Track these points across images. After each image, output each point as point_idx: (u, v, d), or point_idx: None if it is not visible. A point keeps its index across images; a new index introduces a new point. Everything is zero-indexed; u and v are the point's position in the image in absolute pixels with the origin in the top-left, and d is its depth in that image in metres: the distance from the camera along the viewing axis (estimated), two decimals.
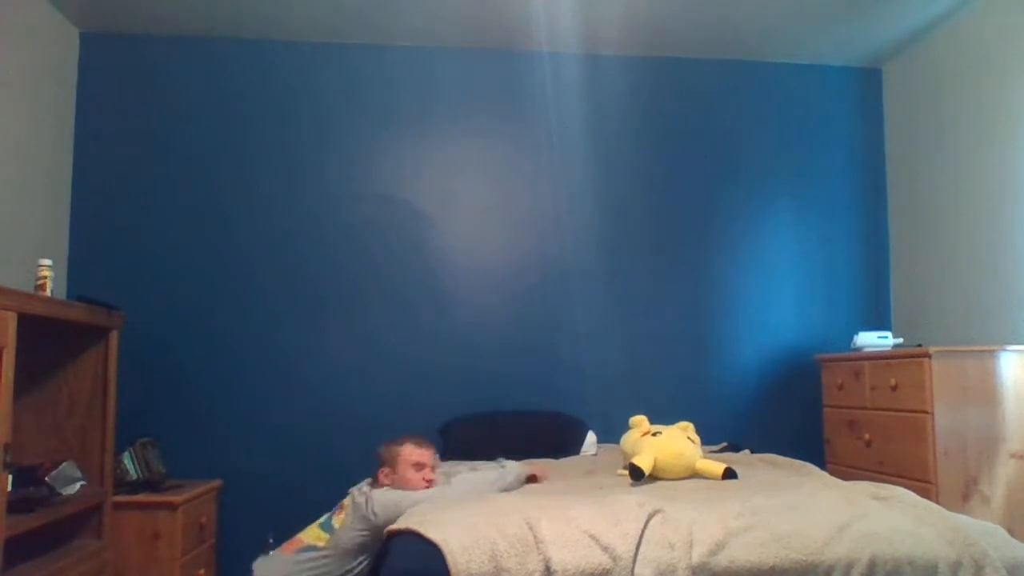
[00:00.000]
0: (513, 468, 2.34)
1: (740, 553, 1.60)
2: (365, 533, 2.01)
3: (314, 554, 2.07)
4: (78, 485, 2.40)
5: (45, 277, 2.48)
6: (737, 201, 3.59)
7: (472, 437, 2.99)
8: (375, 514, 1.97)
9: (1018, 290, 2.90)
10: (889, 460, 2.80)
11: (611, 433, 3.05)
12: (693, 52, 3.58)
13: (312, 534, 2.13)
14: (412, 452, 2.28)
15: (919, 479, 2.62)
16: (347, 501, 2.15)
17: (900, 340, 3.14)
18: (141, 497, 2.74)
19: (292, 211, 3.36)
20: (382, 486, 2.18)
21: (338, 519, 2.11)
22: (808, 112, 3.68)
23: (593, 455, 3.00)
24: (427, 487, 2.20)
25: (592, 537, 1.61)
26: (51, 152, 3.15)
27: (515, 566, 1.56)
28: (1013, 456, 2.61)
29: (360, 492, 2.11)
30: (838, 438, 3.16)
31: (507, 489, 2.18)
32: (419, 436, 2.37)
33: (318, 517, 2.25)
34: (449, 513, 1.74)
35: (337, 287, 3.35)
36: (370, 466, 2.48)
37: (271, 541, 3.03)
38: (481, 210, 3.46)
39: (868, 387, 2.95)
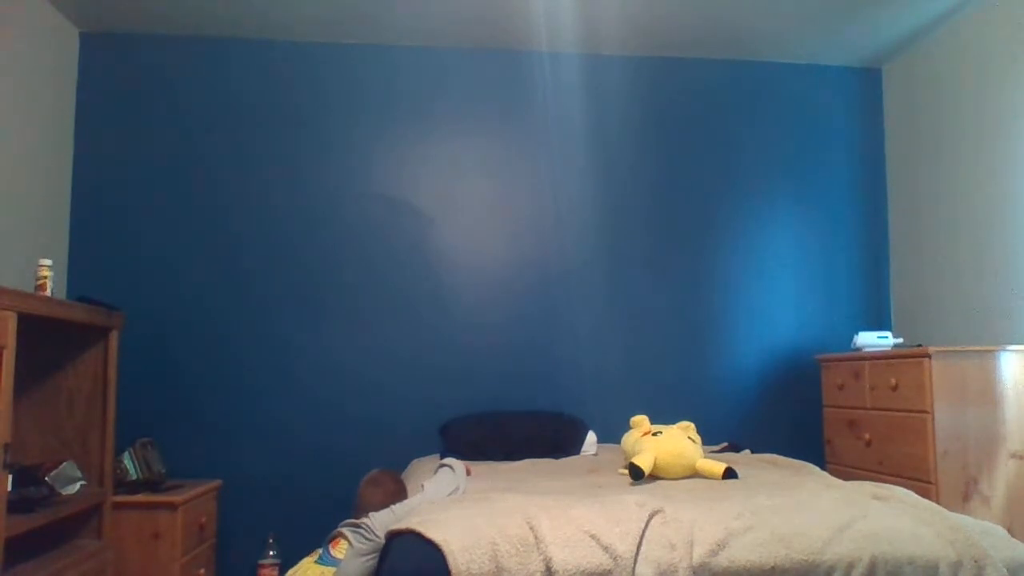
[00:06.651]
0: (455, 462, 2.42)
1: (741, 553, 1.60)
2: (374, 556, 1.98)
3: None
4: (78, 485, 2.40)
5: (45, 277, 2.48)
6: (737, 201, 3.59)
7: (472, 437, 2.99)
8: (378, 536, 1.95)
9: (1018, 290, 2.90)
10: (889, 460, 2.81)
11: (611, 433, 3.05)
12: (693, 52, 3.58)
13: (313, 572, 2.07)
14: (367, 488, 2.30)
15: (919, 479, 2.62)
16: (343, 531, 2.09)
17: (900, 340, 3.14)
18: (141, 497, 2.74)
19: (292, 211, 3.36)
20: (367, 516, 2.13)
21: (337, 550, 2.06)
22: (808, 112, 3.68)
23: (593, 455, 3.00)
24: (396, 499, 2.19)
25: (593, 537, 1.61)
26: (51, 152, 3.14)
27: (516, 566, 1.56)
28: (1013, 456, 2.62)
29: (354, 530, 2.06)
30: (838, 438, 3.16)
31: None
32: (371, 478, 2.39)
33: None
34: (450, 513, 1.74)
35: (337, 287, 3.35)
36: (368, 466, 2.49)
37: (271, 541, 3.05)
38: (481, 210, 3.46)
39: (868, 387, 2.95)
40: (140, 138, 3.32)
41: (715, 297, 3.53)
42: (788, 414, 3.49)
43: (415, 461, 3.00)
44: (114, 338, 2.70)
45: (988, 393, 2.63)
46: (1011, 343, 2.85)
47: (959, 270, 3.20)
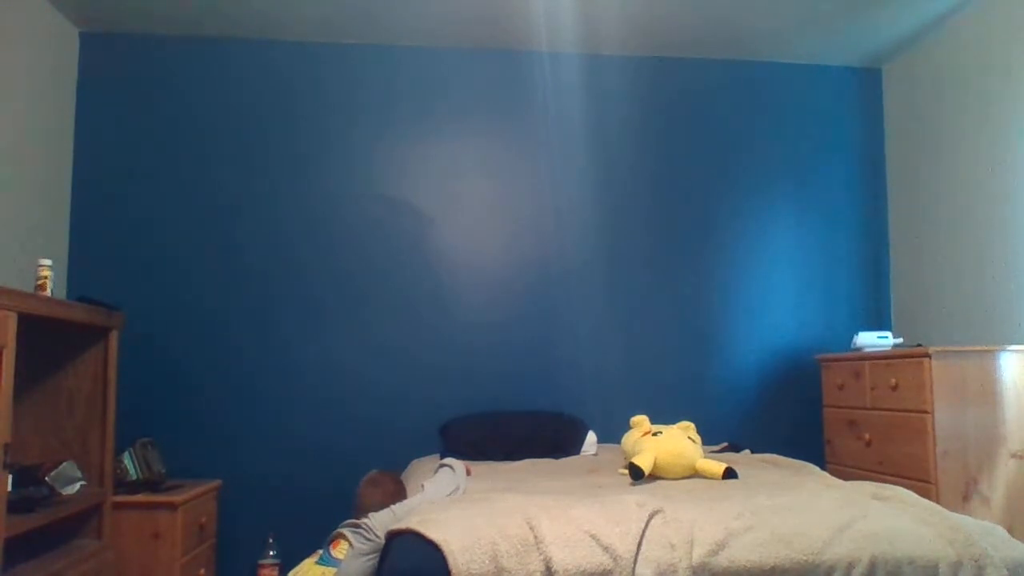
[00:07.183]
0: (456, 462, 2.42)
1: (741, 553, 1.60)
2: (374, 557, 1.98)
3: None
4: (78, 485, 2.40)
5: (45, 277, 2.48)
6: (737, 201, 3.59)
7: (472, 437, 2.99)
8: (378, 536, 1.95)
9: (1018, 290, 2.90)
10: (889, 460, 2.81)
11: (611, 433, 3.05)
12: (693, 52, 3.58)
13: (314, 573, 2.08)
14: (367, 488, 2.31)
15: (919, 479, 2.62)
16: (344, 531, 2.09)
17: (900, 340, 3.14)
18: (141, 497, 2.74)
19: (292, 211, 3.36)
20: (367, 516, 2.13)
21: (338, 550, 2.05)
22: (808, 112, 3.68)
23: (593, 455, 3.00)
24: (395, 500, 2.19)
25: (593, 537, 1.61)
26: (51, 152, 3.14)
27: (515, 566, 1.56)
28: (1013, 456, 2.62)
29: (354, 530, 2.04)
30: (838, 438, 3.16)
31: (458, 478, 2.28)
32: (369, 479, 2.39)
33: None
34: (450, 513, 1.74)
35: (337, 287, 3.35)
36: (368, 466, 2.49)
37: (271, 541, 3.05)
38: (481, 210, 3.46)
39: (868, 387, 2.95)
40: (140, 138, 3.32)
41: (715, 297, 3.53)
42: (788, 414, 3.49)
43: (415, 461, 3.00)
44: (114, 338, 2.70)
45: (988, 393, 2.62)
46: (1011, 343, 2.85)
47: (959, 270, 3.20)
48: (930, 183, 3.39)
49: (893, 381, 2.77)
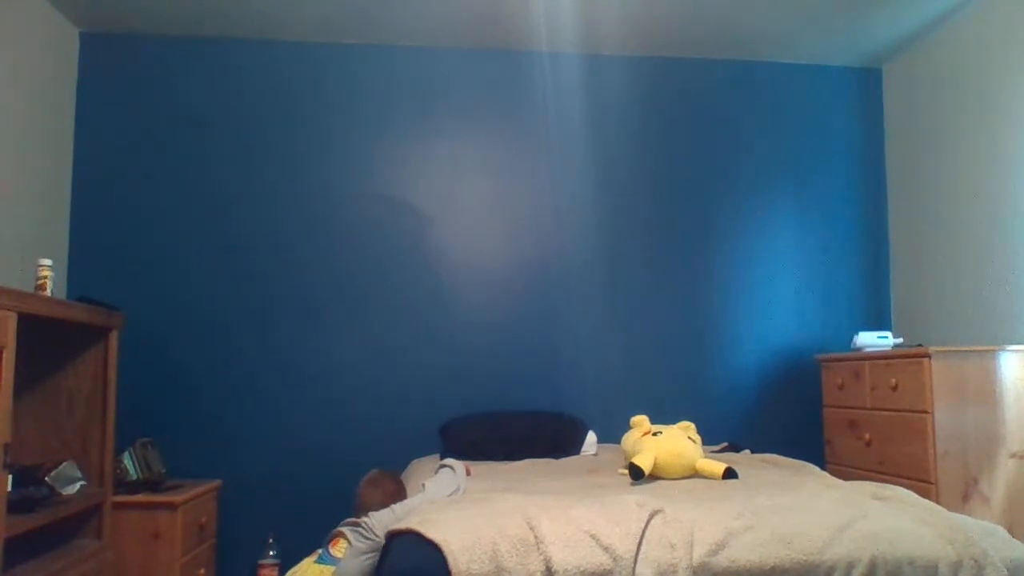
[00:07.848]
0: (456, 463, 2.42)
1: (741, 553, 1.60)
2: (373, 555, 1.97)
3: None
4: (78, 485, 2.40)
5: (45, 277, 2.48)
6: (737, 201, 3.59)
7: (472, 437, 2.99)
8: (378, 536, 1.95)
9: (1018, 290, 2.90)
10: (889, 460, 2.81)
11: (611, 433, 3.05)
12: (693, 52, 3.58)
13: (313, 572, 2.07)
14: (366, 488, 2.32)
15: (919, 479, 2.62)
16: (343, 530, 2.09)
17: (900, 340, 3.14)
18: (141, 497, 2.74)
19: (292, 210, 3.36)
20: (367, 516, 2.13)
21: (337, 549, 2.04)
22: (808, 112, 3.68)
23: (593, 455, 3.00)
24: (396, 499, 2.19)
25: (593, 537, 1.61)
26: (51, 152, 3.14)
27: (516, 566, 1.56)
28: (1013, 456, 2.62)
29: (353, 529, 2.03)
30: (838, 438, 3.16)
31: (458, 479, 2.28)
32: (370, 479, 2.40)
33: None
34: (450, 513, 1.74)
35: (337, 287, 3.35)
36: (368, 466, 2.49)
37: (271, 541, 3.05)
38: (481, 210, 3.46)
39: (868, 387, 2.95)
40: (140, 138, 3.32)
41: (715, 297, 3.53)
42: (788, 414, 3.49)
43: (415, 461, 3.00)
44: (114, 338, 2.70)
45: (988, 393, 2.62)
46: (1011, 343, 2.85)
47: (959, 270, 3.20)
48: (930, 183, 3.39)
49: (893, 381, 2.77)
